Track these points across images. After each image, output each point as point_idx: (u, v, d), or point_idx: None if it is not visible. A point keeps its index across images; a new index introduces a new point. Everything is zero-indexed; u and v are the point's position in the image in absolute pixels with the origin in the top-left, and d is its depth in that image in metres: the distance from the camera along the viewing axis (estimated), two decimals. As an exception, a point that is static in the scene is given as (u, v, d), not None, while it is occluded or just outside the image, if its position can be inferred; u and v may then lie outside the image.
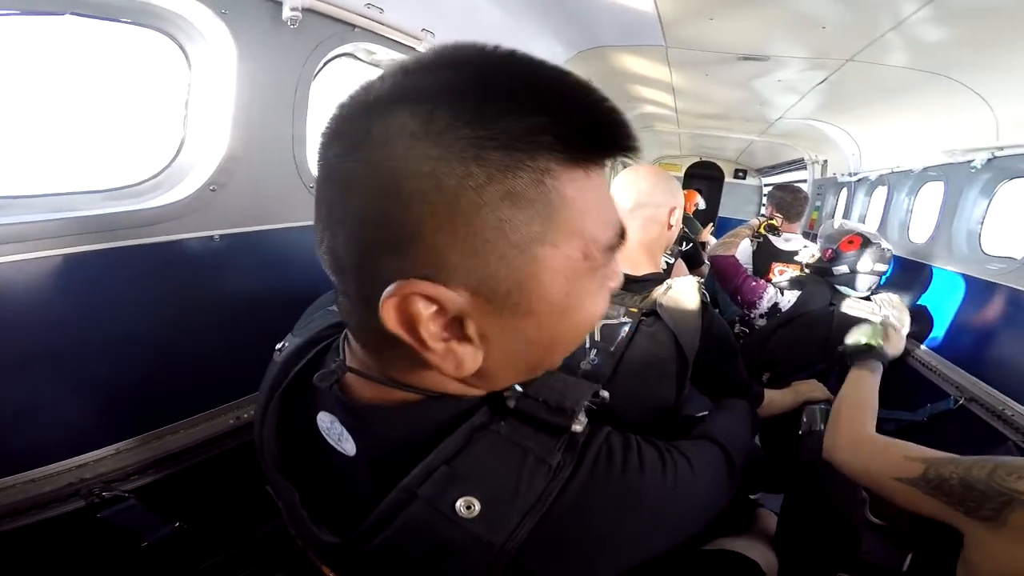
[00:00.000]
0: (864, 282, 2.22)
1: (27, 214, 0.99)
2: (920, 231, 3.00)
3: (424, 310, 0.38)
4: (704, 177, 7.76)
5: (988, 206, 2.40)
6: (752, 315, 2.43)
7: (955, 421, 2.08)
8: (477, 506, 0.41)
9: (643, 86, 3.64)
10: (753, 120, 4.37)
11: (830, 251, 2.27)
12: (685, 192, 4.07)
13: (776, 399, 1.43)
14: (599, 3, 2.13)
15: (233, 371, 1.26)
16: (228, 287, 1.36)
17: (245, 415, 1.37)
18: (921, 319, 2.46)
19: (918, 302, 2.60)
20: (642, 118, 5.01)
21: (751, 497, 1.35)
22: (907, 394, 2.29)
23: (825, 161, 4.77)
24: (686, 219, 3.47)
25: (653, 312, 1.08)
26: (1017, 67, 1.86)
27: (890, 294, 2.03)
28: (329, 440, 0.50)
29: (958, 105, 2.30)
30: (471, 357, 0.42)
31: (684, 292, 1.09)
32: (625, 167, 1.42)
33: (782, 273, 2.66)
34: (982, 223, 2.42)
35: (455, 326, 0.41)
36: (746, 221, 2.91)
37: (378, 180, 0.37)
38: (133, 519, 1.12)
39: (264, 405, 0.57)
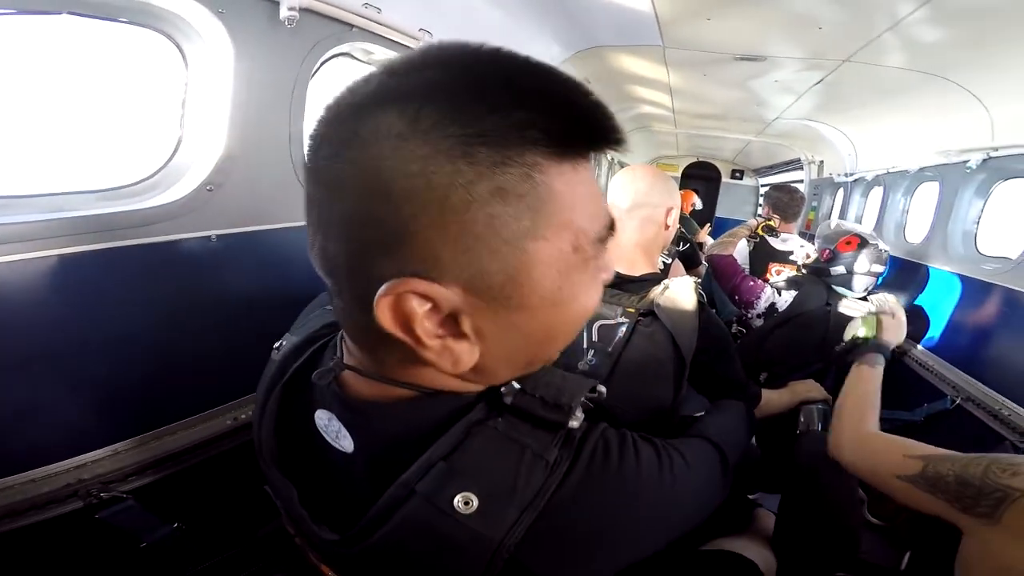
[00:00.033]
0: (861, 283, 2.23)
1: (24, 214, 0.98)
2: (916, 231, 3.02)
3: (419, 308, 0.39)
4: (701, 177, 7.78)
5: (983, 206, 2.41)
6: (749, 315, 2.43)
7: (952, 421, 2.09)
8: (475, 502, 0.42)
9: (640, 86, 3.65)
10: (750, 120, 4.39)
11: (828, 251, 2.28)
12: (682, 192, 4.08)
13: (773, 399, 1.43)
14: (596, 3, 2.14)
15: (231, 371, 1.26)
16: (226, 287, 1.36)
17: (243, 415, 1.37)
18: (917, 319, 2.47)
19: (914, 302, 2.61)
20: (639, 118, 5.01)
21: (749, 497, 1.35)
22: (904, 394, 2.30)
23: (821, 161, 4.78)
24: (683, 219, 3.49)
25: (650, 312, 1.08)
26: (1013, 67, 1.87)
27: (886, 294, 2.03)
28: (327, 437, 0.50)
29: (954, 105, 2.31)
30: (467, 353, 0.42)
31: (681, 292, 1.10)
32: (622, 167, 1.42)
33: (779, 273, 2.66)
34: (978, 223, 2.43)
35: (450, 323, 0.41)
36: (743, 222, 2.91)
37: (367, 180, 0.37)
38: (131, 520, 1.12)
39: (262, 403, 0.57)
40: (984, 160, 2.28)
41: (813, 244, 2.68)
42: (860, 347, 1.22)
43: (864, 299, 2.21)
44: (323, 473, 0.52)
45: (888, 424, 2.19)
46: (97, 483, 1.09)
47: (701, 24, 2.19)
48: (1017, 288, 1.97)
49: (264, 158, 1.33)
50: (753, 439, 1.01)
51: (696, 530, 1.02)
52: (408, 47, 1.69)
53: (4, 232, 0.94)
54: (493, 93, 0.37)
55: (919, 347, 2.47)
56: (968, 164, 2.36)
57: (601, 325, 1.11)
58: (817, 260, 2.36)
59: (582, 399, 0.47)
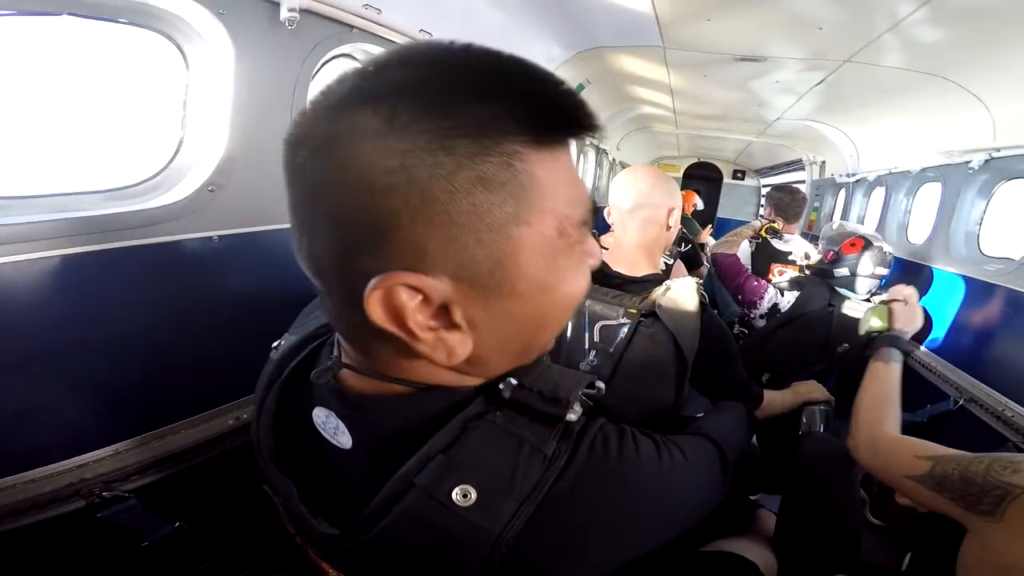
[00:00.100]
0: (864, 285, 2.22)
1: (26, 215, 0.99)
2: (918, 232, 3.01)
3: (409, 301, 0.39)
4: (702, 178, 7.79)
5: (986, 207, 2.41)
6: (752, 315, 2.43)
7: (955, 422, 2.09)
8: (473, 494, 0.42)
9: (641, 87, 3.65)
10: (751, 121, 4.39)
11: (832, 253, 2.27)
12: (683, 193, 4.08)
13: (776, 400, 1.43)
14: (597, 4, 2.14)
15: (233, 371, 1.26)
16: (227, 287, 1.36)
17: (245, 415, 1.37)
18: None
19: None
20: (640, 119, 5.01)
21: (750, 498, 1.35)
22: (906, 395, 2.27)
23: (823, 162, 4.78)
24: (685, 220, 3.48)
25: (652, 313, 1.08)
26: (1014, 67, 1.87)
27: (883, 296, 2.03)
28: (324, 434, 0.51)
29: (955, 106, 2.31)
30: (461, 344, 0.43)
31: (683, 293, 1.10)
32: (624, 167, 1.42)
33: (781, 274, 2.66)
34: (980, 224, 2.43)
35: (442, 315, 0.41)
36: (745, 222, 2.91)
37: (349, 179, 0.37)
38: (133, 519, 1.12)
39: (260, 401, 0.58)
40: (986, 160, 2.28)
41: (814, 245, 2.67)
42: (875, 340, 1.19)
43: (867, 300, 2.21)
44: (321, 470, 0.52)
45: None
46: (99, 482, 1.09)
47: (701, 25, 2.19)
48: (1020, 289, 1.97)
49: (265, 159, 1.33)
50: (755, 439, 1.01)
51: (697, 531, 1.02)
52: (409, 48, 1.69)
53: (8, 232, 0.94)
54: (468, 87, 0.38)
55: (922, 348, 2.47)
56: (970, 165, 2.35)
57: (603, 326, 1.11)
58: (821, 261, 2.35)
59: (580, 394, 0.47)
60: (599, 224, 1.53)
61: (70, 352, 1.07)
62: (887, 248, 2.23)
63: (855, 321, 2.03)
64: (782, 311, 2.33)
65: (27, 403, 1.01)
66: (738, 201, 7.75)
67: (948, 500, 0.79)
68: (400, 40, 1.65)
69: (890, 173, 3.34)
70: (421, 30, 1.71)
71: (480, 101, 0.38)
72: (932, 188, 2.86)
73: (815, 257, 2.57)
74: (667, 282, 1.13)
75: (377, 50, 1.64)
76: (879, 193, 3.62)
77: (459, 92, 0.38)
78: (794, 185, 3.53)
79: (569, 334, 1.14)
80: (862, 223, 3.74)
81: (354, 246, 0.39)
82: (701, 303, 1.09)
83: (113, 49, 1.21)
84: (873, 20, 1.84)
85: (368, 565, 0.48)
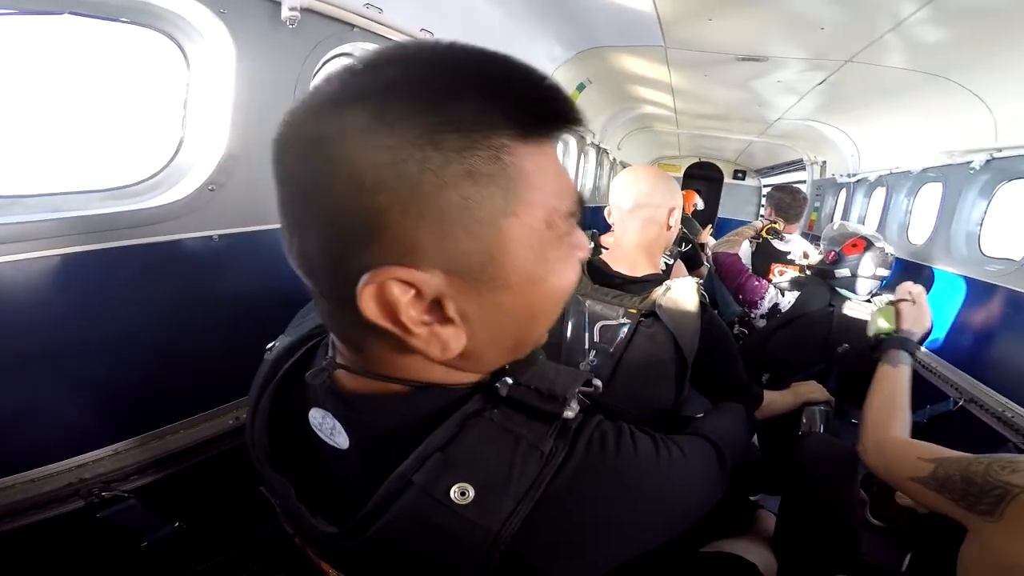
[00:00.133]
0: (865, 286, 2.22)
1: (26, 214, 0.99)
2: (919, 232, 3.01)
3: (402, 296, 0.39)
4: (703, 178, 7.79)
5: (987, 207, 2.41)
6: (753, 315, 2.43)
7: (955, 423, 2.09)
8: (471, 492, 0.42)
9: (642, 86, 3.65)
10: (752, 121, 4.39)
11: (833, 254, 2.27)
12: (684, 193, 4.07)
13: (776, 400, 1.43)
14: (598, 3, 2.14)
15: (232, 371, 1.26)
16: (227, 287, 1.36)
17: (244, 415, 1.36)
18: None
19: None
20: (641, 118, 5.01)
21: (750, 499, 1.35)
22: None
23: (824, 162, 4.78)
24: (685, 220, 3.48)
25: (652, 313, 1.08)
26: (1015, 68, 1.87)
27: (890, 296, 2.02)
28: (321, 435, 0.51)
29: (956, 106, 2.31)
30: (455, 338, 0.43)
31: (683, 293, 1.10)
32: (624, 167, 1.42)
33: (782, 274, 2.66)
34: (981, 224, 2.42)
35: (435, 309, 0.42)
36: (746, 222, 2.91)
37: (339, 176, 0.38)
38: (133, 519, 1.12)
39: (254, 402, 0.58)
40: (988, 161, 2.28)
41: (815, 245, 2.67)
42: (883, 342, 1.17)
43: (868, 301, 2.21)
44: (318, 471, 0.52)
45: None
46: (98, 482, 1.09)
47: (703, 24, 2.19)
48: (1020, 290, 1.97)
49: (266, 158, 1.30)
50: (755, 440, 1.01)
51: (696, 531, 1.02)
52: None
53: (7, 232, 0.94)
54: (455, 83, 0.39)
55: (922, 348, 2.47)
56: (972, 165, 2.35)
57: (603, 326, 1.11)
58: (822, 262, 2.35)
59: (577, 392, 0.47)
60: (600, 224, 1.53)
61: (70, 352, 1.06)
62: (889, 249, 2.23)
63: (855, 322, 2.05)
64: (782, 311, 2.33)
65: (27, 403, 1.01)
66: (739, 201, 7.75)
67: (949, 501, 0.80)
68: (401, 39, 1.65)
69: (891, 173, 3.34)
70: (422, 29, 1.71)
71: (468, 97, 0.38)
72: (933, 188, 2.85)
73: (813, 256, 2.56)
74: (667, 282, 1.13)
75: (378, 50, 1.64)
76: (880, 193, 3.62)
77: (447, 88, 0.38)
78: (795, 185, 3.53)
79: (569, 334, 1.14)
80: (863, 223, 3.73)
81: (346, 243, 0.39)
82: (701, 303, 1.09)
83: (114, 48, 1.21)
84: (875, 20, 1.84)
85: (367, 564, 0.48)
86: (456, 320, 0.42)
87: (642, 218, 1.21)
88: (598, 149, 5.21)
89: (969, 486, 0.77)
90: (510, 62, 0.41)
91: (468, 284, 0.41)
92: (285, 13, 1.23)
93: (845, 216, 4.14)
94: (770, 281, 2.49)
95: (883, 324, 1.19)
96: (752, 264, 2.73)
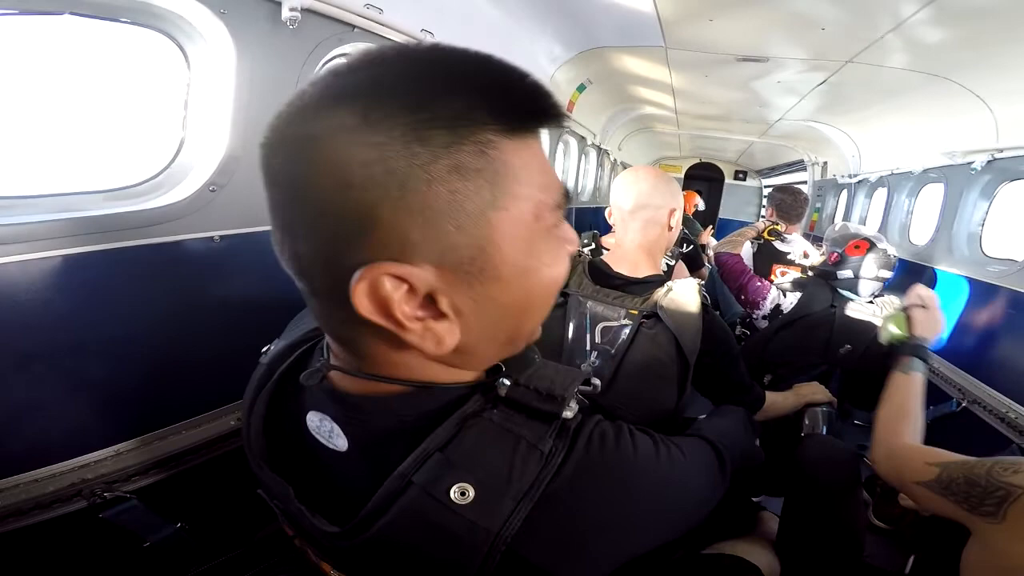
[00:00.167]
0: (867, 288, 2.21)
1: (28, 215, 0.99)
2: (920, 233, 3.00)
3: (394, 291, 0.39)
4: (704, 178, 7.79)
5: (988, 208, 2.40)
6: (755, 316, 2.42)
7: (958, 424, 2.08)
8: (471, 492, 0.42)
9: (643, 87, 3.65)
10: (753, 121, 4.39)
11: (835, 255, 2.26)
12: (685, 193, 4.07)
13: (778, 401, 1.43)
14: (598, 4, 2.14)
15: (234, 372, 1.25)
16: (229, 288, 1.36)
17: (244, 417, 1.37)
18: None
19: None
20: (642, 119, 5.01)
21: (753, 500, 1.35)
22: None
23: (825, 163, 4.78)
24: (686, 221, 3.48)
25: (654, 314, 1.08)
26: (1017, 68, 1.86)
27: (892, 297, 2.02)
28: (319, 438, 0.51)
29: (957, 107, 2.30)
30: (449, 332, 0.43)
31: (685, 294, 1.09)
32: (625, 168, 1.42)
33: (783, 275, 2.65)
34: (982, 225, 2.42)
35: (428, 304, 0.42)
36: (747, 223, 2.91)
37: (328, 176, 0.38)
38: (135, 520, 1.12)
39: (249, 406, 0.58)
40: (989, 161, 2.27)
41: (816, 245, 2.67)
42: (896, 349, 1.16)
43: (870, 303, 2.21)
44: (317, 473, 0.52)
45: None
46: (101, 483, 1.09)
47: (703, 25, 2.19)
48: (1022, 290, 1.96)
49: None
50: (758, 442, 1.01)
51: (699, 532, 1.01)
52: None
53: (9, 232, 0.94)
54: (440, 81, 0.40)
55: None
56: (973, 165, 2.35)
57: (604, 327, 1.11)
58: (824, 263, 2.35)
59: (576, 392, 0.48)
60: (601, 225, 1.53)
61: (72, 352, 1.06)
62: (891, 250, 2.22)
63: (857, 323, 2.05)
64: (784, 312, 2.33)
65: (29, 403, 1.01)
66: (740, 202, 7.75)
67: (953, 503, 0.80)
68: (402, 40, 1.65)
69: (892, 174, 3.33)
70: (423, 29, 1.71)
71: (453, 94, 0.39)
72: (934, 189, 2.85)
73: (814, 256, 2.56)
74: (669, 283, 1.13)
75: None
76: (881, 194, 3.62)
77: (431, 87, 0.39)
78: (796, 186, 3.53)
79: (571, 335, 1.13)
80: (864, 224, 3.73)
81: (337, 241, 0.40)
82: (703, 304, 1.09)
83: (114, 49, 1.21)
84: (876, 20, 1.84)
85: (367, 563, 0.48)
86: (450, 314, 0.43)
87: (643, 219, 1.21)
88: (599, 150, 5.21)
89: (972, 488, 0.78)
90: (492, 60, 0.42)
91: (459, 278, 0.42)
92: (285, 14, 1.23)
93: (846, 217, 4.13)
94: (772, 282, 2.49)
95: (895, 331, 1.18)
96: (753, 265, 2.73)
